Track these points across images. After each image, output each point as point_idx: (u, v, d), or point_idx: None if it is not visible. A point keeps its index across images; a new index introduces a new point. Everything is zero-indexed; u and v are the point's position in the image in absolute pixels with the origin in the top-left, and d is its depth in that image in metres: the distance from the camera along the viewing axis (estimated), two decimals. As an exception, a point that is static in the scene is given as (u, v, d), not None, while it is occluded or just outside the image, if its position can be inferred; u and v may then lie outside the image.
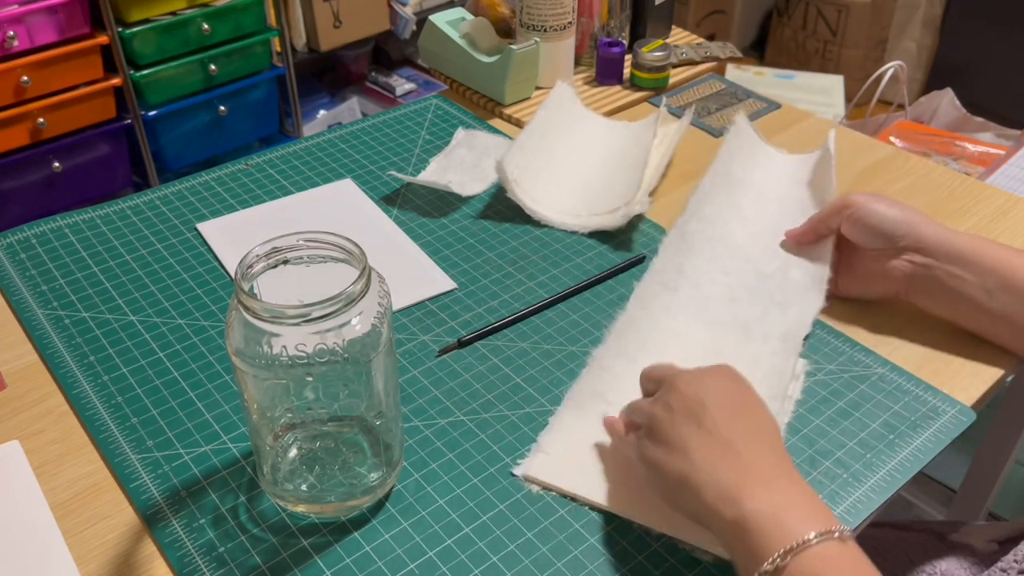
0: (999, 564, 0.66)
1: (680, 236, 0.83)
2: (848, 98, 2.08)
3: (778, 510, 0.51)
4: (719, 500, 0.52)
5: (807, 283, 0.77)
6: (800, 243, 0.80)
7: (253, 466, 0.64)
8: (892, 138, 1.55)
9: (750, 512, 0.51)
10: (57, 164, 1.87)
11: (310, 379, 0.55)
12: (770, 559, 0.49)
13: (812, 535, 0.49)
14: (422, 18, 2.29)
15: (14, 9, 1.70)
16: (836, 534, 0.50)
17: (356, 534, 0.60)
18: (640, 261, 0.83)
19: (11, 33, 1.70)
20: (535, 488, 0.63)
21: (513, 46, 1.02)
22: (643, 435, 0.58)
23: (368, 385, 0.57)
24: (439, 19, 1.09)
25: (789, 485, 0.53)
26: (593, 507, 0.62)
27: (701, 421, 0.55)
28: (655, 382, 0.61)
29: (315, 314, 0.51)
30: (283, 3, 2.08)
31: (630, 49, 1.12)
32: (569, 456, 0.64)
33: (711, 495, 0.53)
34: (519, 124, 1.04)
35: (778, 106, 1.08)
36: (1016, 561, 0.65)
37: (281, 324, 0.51)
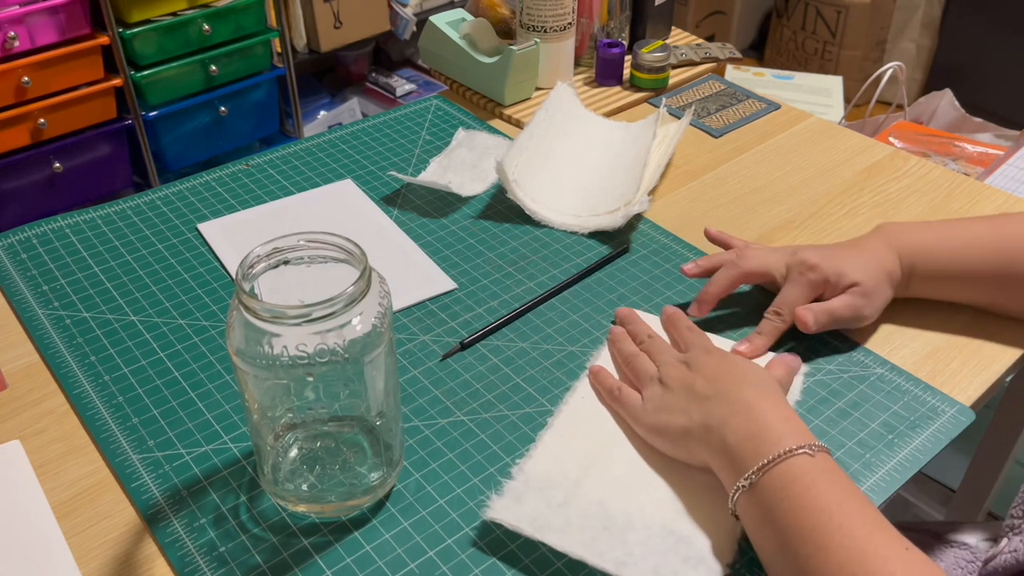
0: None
1: None
2: (847, 99, 2.08)
3: (755, 435, 0.57)
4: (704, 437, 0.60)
5: None
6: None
7: (254, 466, 0.64)
8: (891, 138, 1.55)
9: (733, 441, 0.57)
10: (58, 164, 1.87)
11: (311, 379, 0.55)
12: (745, 475, 0.55)
13: (783, 451, 0.55)
14: (422, 19, 2.29)
15: (15, 10, 1.70)
16: (805, 449, 0.55)
17: (356, 534, 0.60)
18: (624, 252, 0.84)
19: (12, 34, 1.70)
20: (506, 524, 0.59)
21: (513, 47, 1.02)
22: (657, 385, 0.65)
23: (369, 385, 0.57)
24: (439, 20, 1.10)
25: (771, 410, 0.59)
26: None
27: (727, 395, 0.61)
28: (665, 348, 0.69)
29: (316, 314, 0.51)
30: (283, 4, 2.09)
31: (630, 50, 1.12)
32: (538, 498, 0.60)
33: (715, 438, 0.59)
34: (519, 125, 1.04)
35: (777, 107, 1.08)
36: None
37: (282, 324, 0.51)
